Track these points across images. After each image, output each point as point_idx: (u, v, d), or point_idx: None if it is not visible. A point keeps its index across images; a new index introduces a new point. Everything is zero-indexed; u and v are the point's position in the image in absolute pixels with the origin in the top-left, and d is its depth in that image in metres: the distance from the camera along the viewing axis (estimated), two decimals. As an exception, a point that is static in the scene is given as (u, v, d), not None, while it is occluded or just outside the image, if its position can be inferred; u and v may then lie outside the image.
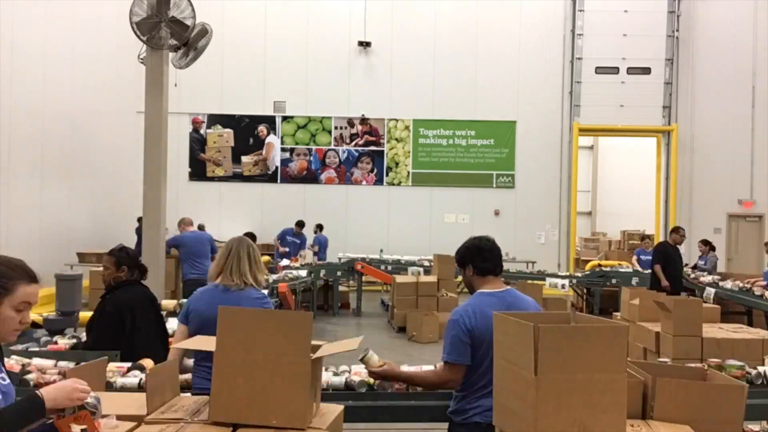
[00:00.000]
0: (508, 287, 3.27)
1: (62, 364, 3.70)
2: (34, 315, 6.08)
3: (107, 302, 4.14)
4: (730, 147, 15.92)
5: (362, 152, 16.45)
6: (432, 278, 11.34)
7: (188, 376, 3.52)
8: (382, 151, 16.44)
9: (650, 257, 12.91)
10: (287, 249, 13.25)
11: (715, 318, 8.01)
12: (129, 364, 3.66)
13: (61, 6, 12.22)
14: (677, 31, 16.18)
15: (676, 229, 10.82)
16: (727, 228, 15.83)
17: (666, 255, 10.30)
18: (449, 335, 3.05)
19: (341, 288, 12.98)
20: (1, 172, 10.54)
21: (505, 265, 15.88)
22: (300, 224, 13.48)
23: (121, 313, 4.05)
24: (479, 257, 3.18)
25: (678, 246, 10.59)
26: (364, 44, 16.15)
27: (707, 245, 13.59)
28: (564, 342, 2.15)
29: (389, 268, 12.54)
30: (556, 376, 2.14)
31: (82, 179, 13.24)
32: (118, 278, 4.14)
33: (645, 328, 7.79)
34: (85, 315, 5.85)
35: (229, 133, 16.36)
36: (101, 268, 4.37)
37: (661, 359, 6.30)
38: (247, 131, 16.36)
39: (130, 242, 10.64)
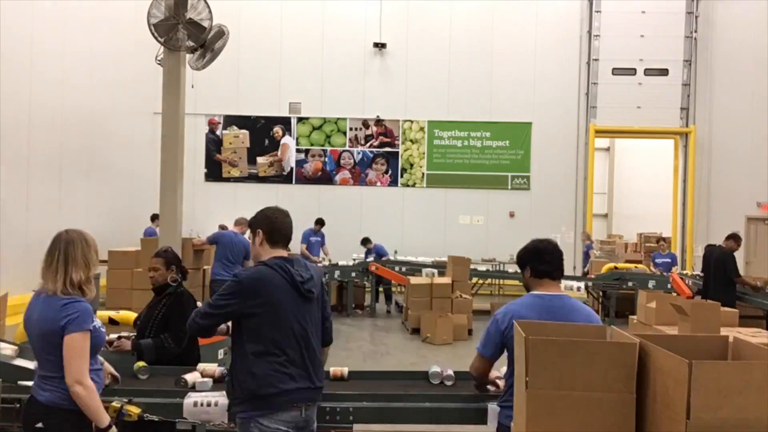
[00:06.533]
0: (564, 294, 3.23)
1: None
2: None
3: (184, 299, 4.24)
4: (749, 149, 15.72)
5: (377, 153, 16.46)
6: (446, 280, 11.33)
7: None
8: (397, 153, 16.44)
9: (666, 260, 12.78)
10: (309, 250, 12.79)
11: (733, 322, 7.91)
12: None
13: (80, 6, 12.33)
14: (695, 32, 16.03)
15: (736, 237, 9.86)
16: (745, 231, 15.60)
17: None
18: (486, 329, 3.20)
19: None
20: (21, 171, 10.66)
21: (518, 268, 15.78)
22: (320, 222, 13.12)
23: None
24: (537, 259, 3.19)
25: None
26: (380, 46, 16.16)
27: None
28: (556, 356, 2.04)
29: (403, 269, 12.52)
30: (550, 392, 2.03)
31: (100, 179, 13.36)
32: (174, 279, 4.26)
33: (662, 332, 7.71)
34: (103, 314, 5.88)
35: (244, 134, 16.44)
36: (148, 270, 4.38)
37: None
38: (262, 132, 16.44)
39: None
